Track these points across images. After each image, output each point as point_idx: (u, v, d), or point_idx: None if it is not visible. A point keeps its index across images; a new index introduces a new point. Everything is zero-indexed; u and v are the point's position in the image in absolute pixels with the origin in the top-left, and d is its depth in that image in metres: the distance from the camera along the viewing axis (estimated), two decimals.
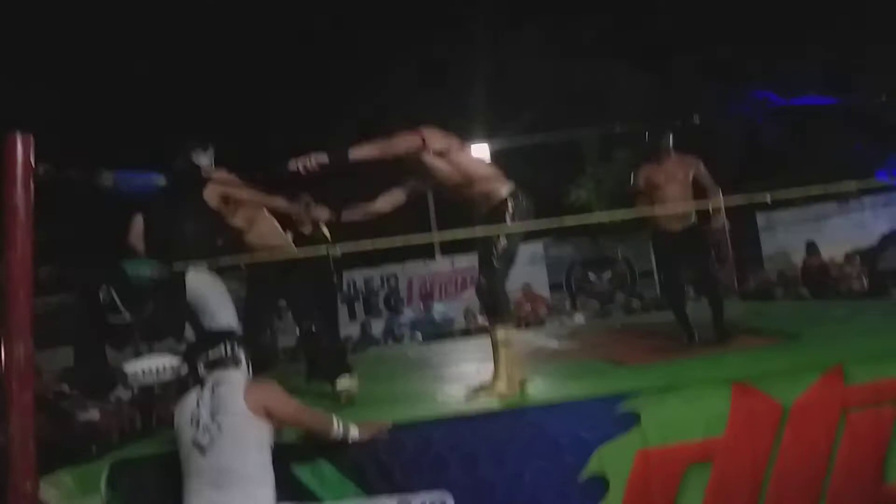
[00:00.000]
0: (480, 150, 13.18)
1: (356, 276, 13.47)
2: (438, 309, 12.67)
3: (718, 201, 4.74)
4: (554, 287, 12.61)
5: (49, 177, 3.00)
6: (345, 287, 12.95)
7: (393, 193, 4.00)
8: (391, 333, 12.44)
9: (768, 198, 3.69)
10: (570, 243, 12.83)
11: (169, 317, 3.65)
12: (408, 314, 12.96)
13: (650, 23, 11.82)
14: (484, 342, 4.56)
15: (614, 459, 3.15)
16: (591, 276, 12.39)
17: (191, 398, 2.93)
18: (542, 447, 3.16)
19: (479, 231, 3.76)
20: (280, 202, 4.23)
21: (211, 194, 4.06)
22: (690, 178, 4.91)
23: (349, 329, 11.97)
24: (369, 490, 3.13)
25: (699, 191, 4.87)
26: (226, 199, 4.17)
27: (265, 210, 4.67)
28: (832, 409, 3.21)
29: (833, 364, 3.32)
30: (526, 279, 12.09)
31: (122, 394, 7.93)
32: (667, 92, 11.50)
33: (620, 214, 4.47)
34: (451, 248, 13.41)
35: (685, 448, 3.18)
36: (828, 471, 3.19)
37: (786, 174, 10.47)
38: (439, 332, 11.70)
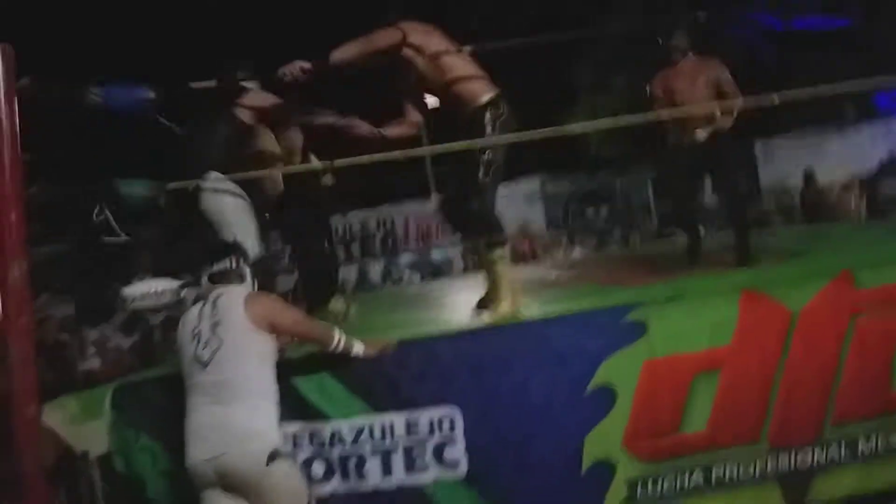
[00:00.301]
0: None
1: (352, 219, 13.40)
2: (437, 250, 12.65)
3: (734, 109, 4.34)
4: (551, 224, 12.56)
5: (33, 92, 2.88)
6: (341, 229, 12.91)
7: (411, 102, 3.79)
8: (389, 275, 12.44)
9: (776, 99, 3.56)
10: (567, 179, 12.73)
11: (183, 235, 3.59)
12: (405, 256, 12.94)
13: None
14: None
15: (621, 370, 3.13)
16: (589, 211, 12.34)
17: (192, 313, 2.88)
18: (548, 358, 3.14)
19: (473, 143, 3.57)
20: (325, 117, 4.06)
21: (246, 112, 3.95)
22: (712, 83, 4.44)
23: (346, 272, 11.94)
24: (377, 407, 3.11)
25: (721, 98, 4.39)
26: (259, 118, 4.06)
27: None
28: (841, 314, 3.18)
29: (841, 270, 3.28)
30: (523, 217, 12.03)
31: (122, 342, 7.92)
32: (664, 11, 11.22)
33: (634, 119, 4.19)
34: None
35: (693, 357, 3.15)
36: (836, 376, 3.17)
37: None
38: (438, 272, 11.70)
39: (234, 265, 2.95)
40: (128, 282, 3.77)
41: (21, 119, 2.83)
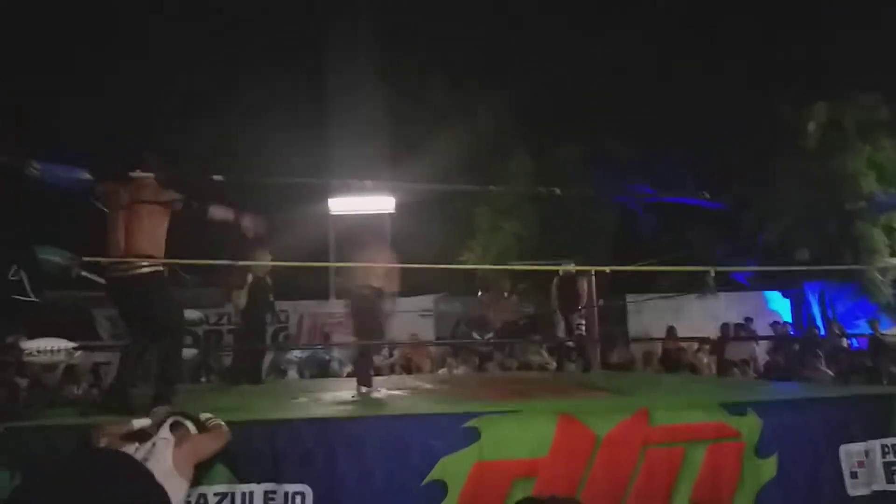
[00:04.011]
0: (385, 201, 13.94)
1: None
2: (331, 351, 12.94)
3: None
4: (439, 339, 13.21)
5: None
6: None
7: None
8: (276, 368, 12.56)
9: (593, 270, 4.45)
10: (460, 301, 13.58)
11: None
12: (295, 351, 13.14)
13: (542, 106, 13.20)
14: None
15: (454, 468, 3.71)
16: (475, 334, 13.10)
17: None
18: (394, 450, 3.69)
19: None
20: None
21: None
22: None
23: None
24: (241, 477, 3.54)
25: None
26: None
27: None
28: (635, 442, 3.92)
29: (640, 408, 4.05)
30: (414, 329, 12.67)
31: None
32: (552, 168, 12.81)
33: None
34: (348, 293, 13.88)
35: (515, 464, 3.79)
36: (626, 494, 3.87)
37: (654, 262, 11.80)
38: (325, 372, 11.96)
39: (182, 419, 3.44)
40: (28, 336, 4.05)
41: None
